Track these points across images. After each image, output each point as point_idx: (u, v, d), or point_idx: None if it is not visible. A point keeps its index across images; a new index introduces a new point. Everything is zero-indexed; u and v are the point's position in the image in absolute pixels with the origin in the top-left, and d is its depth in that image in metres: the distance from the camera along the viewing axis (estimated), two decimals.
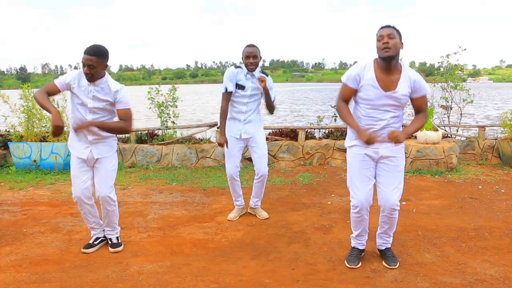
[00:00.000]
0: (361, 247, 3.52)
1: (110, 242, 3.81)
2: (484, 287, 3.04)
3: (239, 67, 4.33)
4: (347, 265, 3.39)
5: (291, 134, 7.71)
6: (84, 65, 3.36)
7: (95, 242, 3.82)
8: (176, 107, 7.91)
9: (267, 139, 7.51)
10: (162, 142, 7.53)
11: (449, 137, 7.87)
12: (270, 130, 7.96)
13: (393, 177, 3.21)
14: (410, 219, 4.50)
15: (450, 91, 8.30)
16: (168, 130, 7.82)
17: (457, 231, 4.15)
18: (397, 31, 3.04)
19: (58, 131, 3.23)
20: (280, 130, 7.88)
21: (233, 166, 4.47)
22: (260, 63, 4.37)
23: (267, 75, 4.38)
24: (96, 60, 3.35)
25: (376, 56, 3.11)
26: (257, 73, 4.31)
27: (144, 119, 16.99)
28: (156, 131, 7.93)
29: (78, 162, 3.64)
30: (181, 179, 6.46)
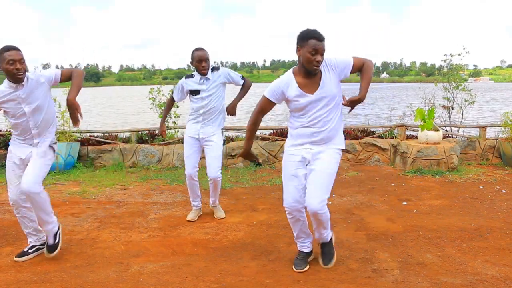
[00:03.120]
0: (306, 250, 3.46)
1: (46, 242, 3.59)
2: (485, 287, 3.04)
3: (191, 76, 4.43)
4: (294, 269, 3.34)
5: None
6: (13, 63, 3.16)
7: (29, 250, 3.65)
8: (178, 107, 7.91)
9: (268, 139, 7.52)
10: (163, 142, 7.54)
11: (450, 137, 7.87)
12: (271, 130, 7.96)
13: (319, 179, 3.09)
14: (411, 219, 4.49)
15: (452, 91, 8.30)
16: (169, 130, 7.82)
17: (458, 231, 4.15)
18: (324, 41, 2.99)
19: None
20: (281, 130, 7.88)
21: (190, 166, 4.51)
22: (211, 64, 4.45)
23: (218, 68, 4.45)
24: (22, 54, 3.23)
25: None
26: (209, 74, 4.36)
27: (144, 119, 16.99)
28: (157, 131, 7.94)
29: (13, 164, 3.49)
30: (182, 179, 6.46)
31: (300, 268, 3.33)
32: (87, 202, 5.27)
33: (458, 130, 8.28)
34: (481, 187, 5.86)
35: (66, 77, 3.43)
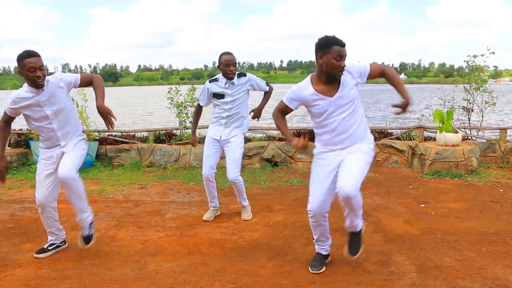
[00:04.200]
0: (324, 252, 3.45)
1: (81, 233, 3.67)
2: None
3: (215, 79, 4.43)
4: (311, 270, 3.33)
5: (309, 135, 7.67)
6: (33, 70, 3.20)
7: (49, 247, 3.71)
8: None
9: (285, 140, 7.50)
10: (180, 142, 7.58)
11: (469, 139, 7.76)
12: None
13: (352, 166, 3.04)
14: (429, 222, 4.44)
15: (472, 93, 8.18)
16: (186, 130, 7.86)
17: (477, 235, 4.09)
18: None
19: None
20: (298, 131, 7.86)
21: (208, 167, 4.51)
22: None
23: (245, 75, 4.45)
24: (42, 60, 3.27)
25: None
26: (235, 79, 4.36)
27: (162, 118, 17.11)
28: (174, 131, 7.99)
29: (45, 165, 3.55)
30: (198, 179, 6.49)
31: (316, 270, 3.32)
32: (105, 201, 5.33)
33: (478, 132, 8.16)
34: (501, 190, 5.77)
35: (85, 83, 3.48)
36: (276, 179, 6.49)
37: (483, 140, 7.74)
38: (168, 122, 8.85)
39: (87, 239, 3.66)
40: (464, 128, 7.97)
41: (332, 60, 2.94)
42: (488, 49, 8.11)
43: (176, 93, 7.92)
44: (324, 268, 3.35)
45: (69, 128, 3.50)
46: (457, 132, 6.91)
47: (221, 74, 4.39)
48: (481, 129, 8.09)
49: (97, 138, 7.71)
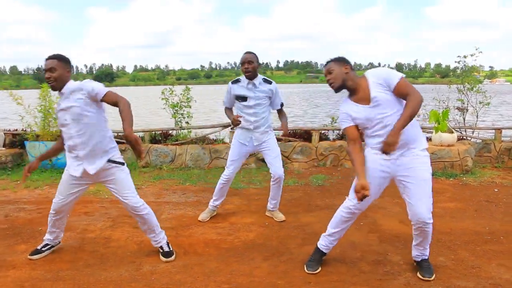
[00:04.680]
0: (326, 251, 3.45)
1: (161, 251, 3.62)
2: None
3: (238, 80, 4.41)
4: (306, 270, 3.33)
5: (305, 135, 7.69)
6: (45, 72, 3.22)
7: (43, 248, 3.68)
8: (190, 107, 7.94)
9: (280, 140, 7.51)
10: (176, 143, 7.57)
11: (465, 139, 7.78)
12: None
13: (419, 189, 3.03)
14: None
15: (467, 93, 8.21)
16: (182, 131, 7.85)
17: (472, 235, 4.11)
18: (336, 60, 3.13)
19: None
20: (294, 131, 7.87)
21: (232, 171, 4.53)
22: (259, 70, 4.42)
23: (271, 82, 4.42)
24: (56, 63, 3.22)
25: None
26: (259, 82, 4.33)
27: (158, 119, 17.08)
28: (170, 131, 7.98)
29: (69, 177, 3.46)
30: (194, 179, 6.49)
31: (312, 270, 3.32)
32: (100, 201, 5.32)
33: (473, 132, 8.19)
34: (496, 190, 5.79)
35: (110, 101, 3.17)
36: (269, 180, 6.48)
37: (478, 140, 7.77)
38: (164, 122, 8.83)
39: (167, 254, 3.62)
40: (459, 128, 8.00)
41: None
42: (476, 49, 8.15)
43: (170, 94, 7.91)
44: (320, 269, 3.36)
45: (92, 138, 3.29)
46: (452, 132, 6.93)
47: (242, 75, 4.37)
48: (476, 129, 8.12)
49: None
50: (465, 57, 8.24)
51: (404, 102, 2.95)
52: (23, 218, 4.68)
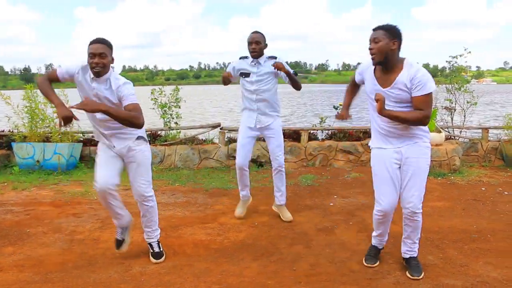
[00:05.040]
0: (380, 247, 3.54)
1: (152, 251, 3.60)
2: None
3: (245, 57, 4.39)
4: (365, 263, 3.42)
5: (294, 135, 7.71)
6: (92, 56, 3.06)
7: (122, 236, 3.63)
8: (179, 108, 7.92)
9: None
10: (165, 143, 7.54)
11: (452, 138, 7.85)
12: None
13: (413, 178, 3.10)
14: None
15: (454, 93, 8.29)
16: (171, 131, 7.83)
17: (459, 233, 4.14)
18: (388, 30, 2.92)
19: (67, 121, 3.00)
20: (283, 131, 7.86)
21: (243, 156, 4.46)
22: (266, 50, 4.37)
23: (275, 58, 4.36)
24: (106, 48, 3.10)
25: None
26: (264, 59, 4.32)
27: (146, 119, 16.98)
28: (159, 132, 7.95)
29: (106, 150, 3.41)
30: (183, 180, 6.47)
31: (371, 263, 3.40)
32: (89, 203, 5.28)
33: (461, 131, 8.26)
34: (483, 189, 5.85)
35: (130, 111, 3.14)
36: (261, 179, 6.50)
37: (465, 140, 7.84)
38: (153, 123, 8.79)
39: (157, 255, 3.59)
40: (447, 128, 8.07)
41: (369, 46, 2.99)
42: (465, 49, 8.24)
43: (160, 94, 7.88)
44: (378, 262, 3.43)
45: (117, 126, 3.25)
46: (440, 131, 6.99)
47: (249, 55, 4.36)
48: (464, 129, 8.19)
49: (81, 139, 7.63)
50: (455, 57, 8.32)
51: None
52: (10, 220, 4.63)
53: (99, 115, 3.22)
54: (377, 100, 2.91)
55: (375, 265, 3.40)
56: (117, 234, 3.66)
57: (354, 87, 3.49)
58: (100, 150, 3.45)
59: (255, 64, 4.33)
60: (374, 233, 3.52)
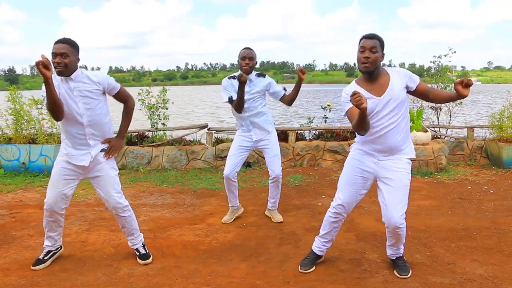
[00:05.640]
0: (320, 253, 3.45)
1: (138, 253, 3.58)
2: (474, 287, 3.06)
3: (233, 77, 4.32)
4: (300, 269, 3.33)
5: (282, 135, 7.71)
6: (54, 56, 3.06)
7: (45, 258, 3.51)
8: (167, 109, 7.89)
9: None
10: (152, 144, 7.50)
11: (439, 138, 7.93)
12: None
13: (395, 192, 3.07)
14: None
15: None
16: (158, 132, 7.79)
17: (446, 231, 4.18)
18: (381, 41, 2.96)
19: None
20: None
21: (230, 167, 4.43)
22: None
23: (264, 76, 4.38)
24: (69, 48, 3.09)
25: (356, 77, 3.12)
26: (253, 77, 4.29)
27: (134, 121, 16.89)
28: (146, 133, 7.90)
29: (66, 169, 3.33)
30: (171, 181, 6.44)
31: (305, 269, 3.33)
32: (76, 205, 5.23)
33: (446, 131, 8.35)
34: (469, 187, 5.91)
35: (120, 97, 3.46)
36: (249, 179, 6.50)
37: (451, 139, 7.93)
38: (140, 124, 8.74)
39: (144, 256, 3.58)
40: (433, 127, 8.14)
41: (358, 54, 2.97)
42: (450, 49, 8.34)
43: (147, 95, 7.84)
44: (314, 268, 3.36)
45: (100, 131, 3.36)
46: (426, 131, 7.06)
47: (239, 71, 4.28)
48: (450, 128, 8.28)
49: None
50: (439, 57, 8.40)
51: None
52: None
53: (85, 120, 3.23)
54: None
55: (310, 271, 3.33)
56: (41, 254, 3.55)
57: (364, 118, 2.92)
58: (58, 165, 3.37)
59: (247, 82, 4.24)
60: (319, 235, 3.45)
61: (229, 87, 4.31)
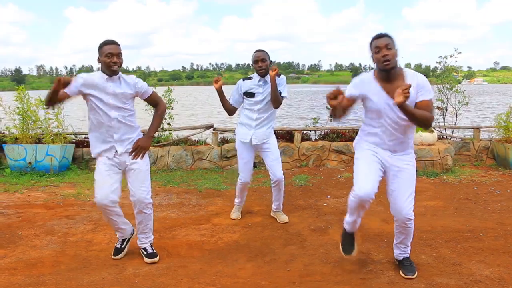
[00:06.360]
0: (353, 231, 3.40)
1: (145, 252, 3.61)
2: None
3: (249, 78, 4.36)
4: (344, 254, 3.33)
5: (287, 135, 7.71)
6: (111, 56, 3.26)
7: (122, 246, 3.69)
8: (172, 108, 7.91)
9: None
10: (158, 144, 7.52)
11: (444, 138, 7.90)
12: None
13: (404, 186, 3.09)
14: None
15: (446, 93, 8.34)
16: (163, 132, 7.81)
17: (452, 232, 4.17)
18: (392, 38, 2.96)
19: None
20: (276, 131, 7.88)
21: (247, 173, 4.50)
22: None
23: (280, 75, 4.33)
24: (121, 49, 3.35)
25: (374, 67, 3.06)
26: (269, 79, 4.26)
27: (139, 120, 16.94)
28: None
29: (105, 162, 3.43)
30: (177, 181, 6.46)
31: (349, 254, 3.32)
32: (81, 204, 5.25)
33: (452, 131, 8.32)
34: (475, 188, 5.89)
35: (152, 101, 3.67)
36: (255, 180, 6.50)
37: (457, 139, 7.89)
38: (145, 124, 8.76)
39: (151, 255, 3.61)
40: (439, 128, 8.11)
41: (374, 56, 2.96)
42: (455, 50, 8.31)
43: None
44: (356, 249, 3.36)
45: (129, 130, 3.50)
46: (432, 131, 7.03)
47: (255, 73, 4.31)
48: (456, 129, 8.25)
49: (74, 140, 7.59)
50: (445, 57, 8.38)
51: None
52: (2, 223, 4.59)
53: (114, 114, 3.35)
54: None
55: (354, 253, 3.32)
56: (117, 243, 3.70)
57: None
58: (100, 164, 3.46)
59: (262, 83, 4.27)
60: (348, 219, 3.35)
61: (236, 89, 4.40)
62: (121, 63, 3.33)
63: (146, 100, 3.60)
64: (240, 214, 4.72)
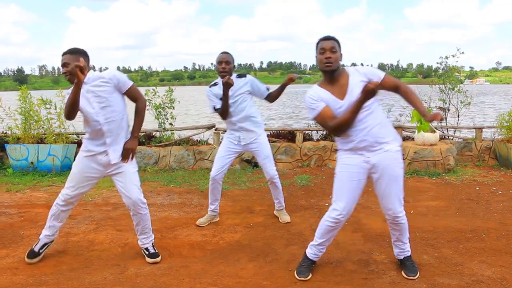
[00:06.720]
0: (315, 259, 3.36)
1: (147, 252, 3.60)
2: None
3: (214, 84, 4.34)
4: (297, 277, 3.23)
5: (289, 135, 7.72)
6: (67, 66, 3.21)
7: (41, 250, 3.59)
8: (174, 108, 7.91)
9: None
10: (160, 144, 7.53)
11: (446, 138, 7.89)
12: (268, 132, 7.96)
13: (389, 186, 3.07)
14: (408, 221, 4.47)
15: (448, 93, 8.33)
16: (165, 132, 7.82)
17: (454, 232, 4.16)
18: (338, 43, 3.04)
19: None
20: (278, 131, 7.89)
21: (217, 168, 4.42)
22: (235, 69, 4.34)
23: (245, 76, 4.36)
24: (70, 57, 3.23)
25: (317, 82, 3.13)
26: (234, 78, 4.23)
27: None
28: (153, 133, 7.93)
29: (88, 167, 3.42)
30: (178, 181, 6.46)
31: (303, 276, 3.22)
32: (83, 204, 5.26)
33: (454, 131, 8.31)
34: (477, 188, 5.88)
35: (131, 95, 3.46)
36: (256, 180, 6.50)
37: (459, 140, 7.88)
38: (147, 124, 8.77)
39: (153, 255, 3.60)
40: (441, 128, 8.11)
41: (318, 56, 3.01)
42: (458, 50, 8.31)
43: (153, 95, 7.86)
44: (310, 275, 3.26)
45: (118, 129, 3.43)
46: (434, 131, 7.02)
47: (219, 77, 4.28)
48: (458, 129, 8.24)
49: (75, 141, 7.60)
50: (446, 58, 8.37)
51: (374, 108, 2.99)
52: (4, 222, 4.60)
53: (101, 119, 3.30)
54: (371, 88, 2.74)
55: (307, 278, 3.22)
56: (35, 245, 3.61)
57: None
58: (81, 163, 3.44)
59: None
60: (314, 242, 3.33)
61: (211, 96, 4.33)
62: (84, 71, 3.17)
63: (126, 93, 3.42)
64: (206, 223, 4.50)
